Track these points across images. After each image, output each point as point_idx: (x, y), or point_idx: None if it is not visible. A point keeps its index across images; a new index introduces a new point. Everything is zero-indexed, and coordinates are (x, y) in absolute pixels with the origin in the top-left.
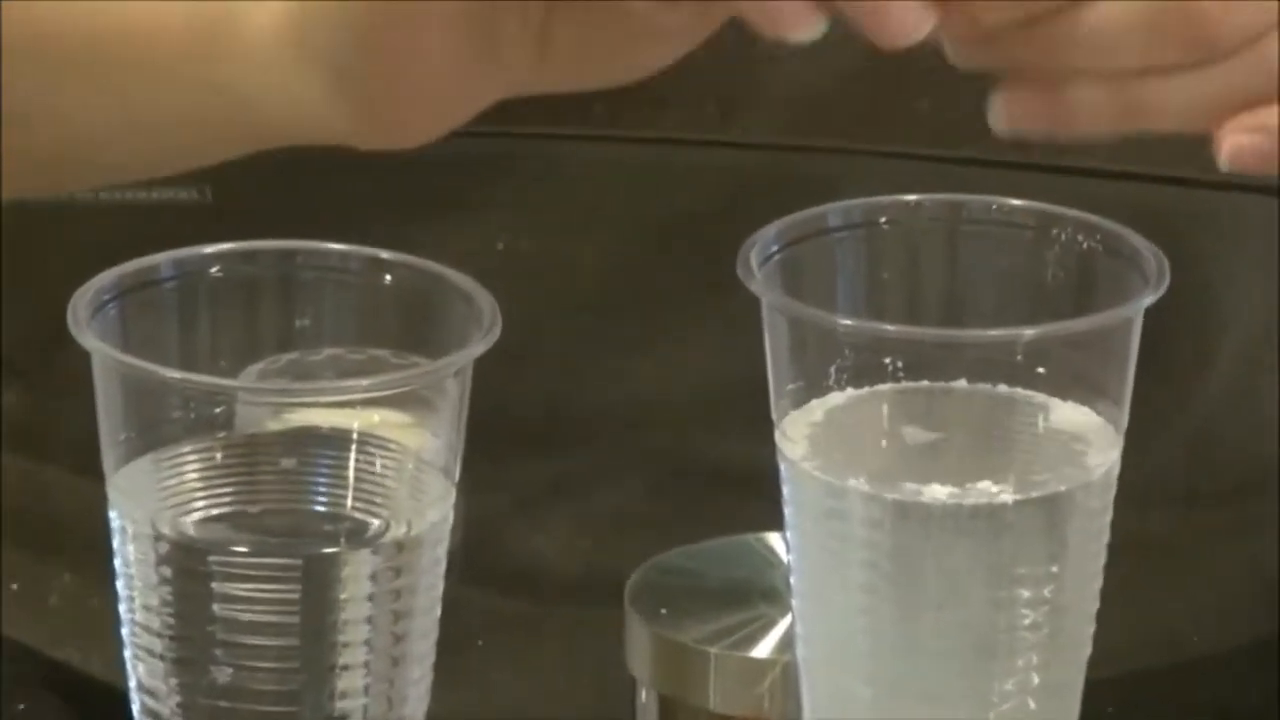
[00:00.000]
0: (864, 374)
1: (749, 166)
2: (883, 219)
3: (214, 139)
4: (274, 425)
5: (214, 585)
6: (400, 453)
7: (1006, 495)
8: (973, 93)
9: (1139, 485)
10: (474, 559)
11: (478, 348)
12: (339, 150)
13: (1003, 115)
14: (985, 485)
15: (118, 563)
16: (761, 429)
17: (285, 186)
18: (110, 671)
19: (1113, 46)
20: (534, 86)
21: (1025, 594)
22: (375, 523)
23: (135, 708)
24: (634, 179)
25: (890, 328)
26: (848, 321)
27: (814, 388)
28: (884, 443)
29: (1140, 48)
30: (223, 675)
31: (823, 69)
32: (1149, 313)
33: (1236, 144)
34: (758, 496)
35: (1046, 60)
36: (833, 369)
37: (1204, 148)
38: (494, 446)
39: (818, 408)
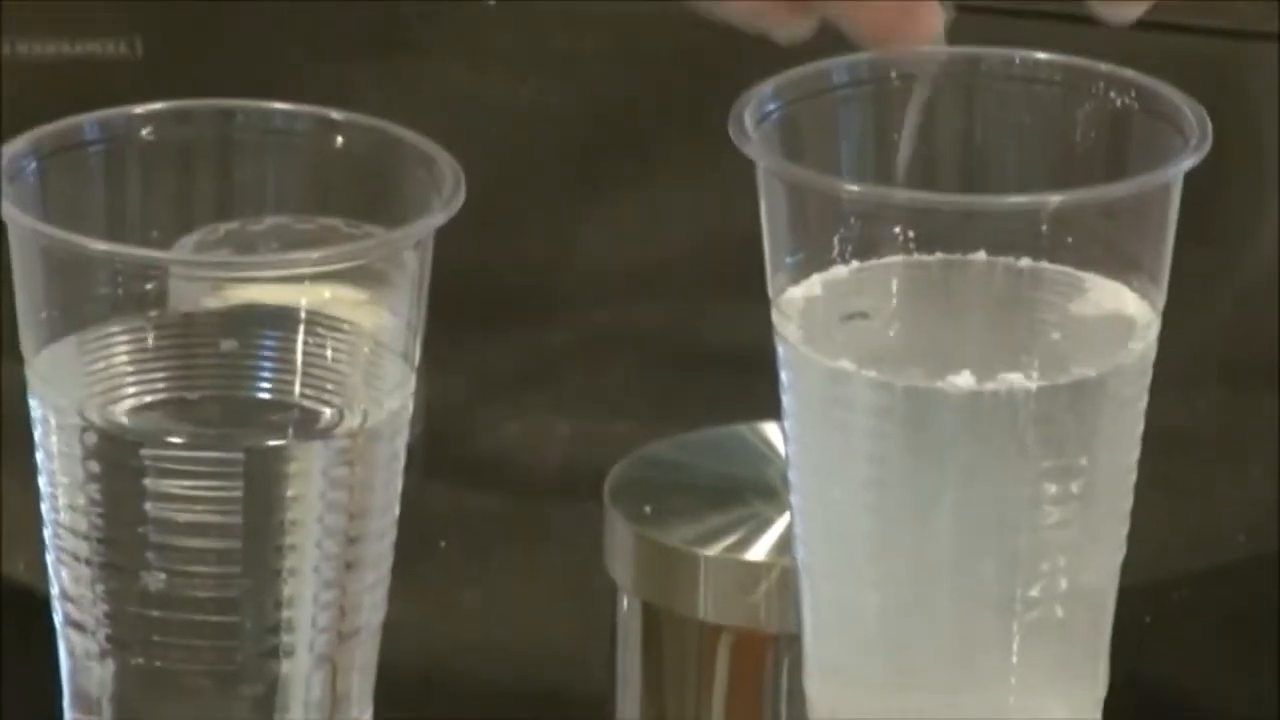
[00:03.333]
0: (871, 246)
1: None
2: (893, 74)
3: None
4: (212, 303)
5: (146, 482)
6: (354, 334)
7: (1031, 381)
8: None
9: (1178, 366)
10: (437, 449)
11: (439, 216)
12: None
13: None
14: (1007, 370)
15: (39, 457)
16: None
17: (224, 37)
18: (32, 579)
19: None
20: None
21: (1052, 489)
22: (327, 412)
23: (58, 618)
24: (618, 18)
25: (900, 193)
26: (853, 187)
27: (815, 261)
28: (894, 322)
29: None
30: (155, 581)
31: None
32: (1189, 175)
33: None
34: (765, 379)
35: None
36: (836, 240)
37: None
38: (460, 322)
39: (819, 283)
